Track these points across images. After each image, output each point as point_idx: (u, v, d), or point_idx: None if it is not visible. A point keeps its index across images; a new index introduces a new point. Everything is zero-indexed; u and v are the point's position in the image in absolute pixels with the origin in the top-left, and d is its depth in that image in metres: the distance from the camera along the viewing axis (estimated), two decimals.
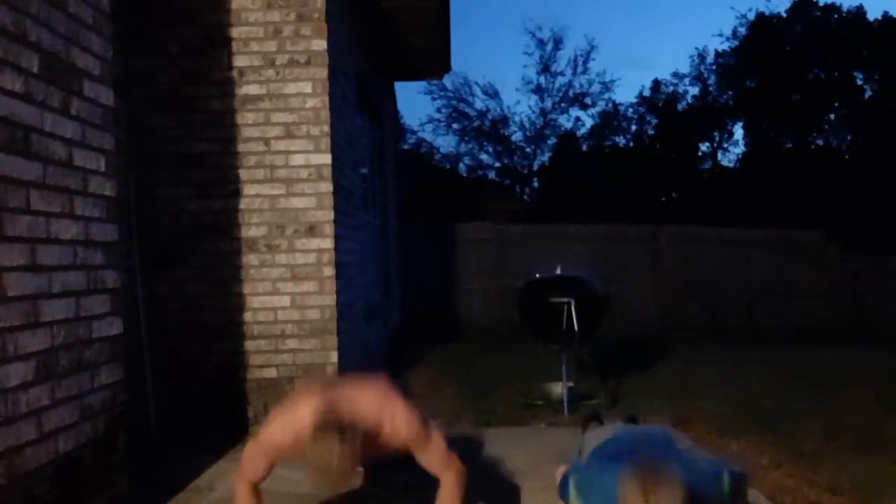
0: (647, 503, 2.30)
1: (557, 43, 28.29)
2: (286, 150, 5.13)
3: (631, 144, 29.79)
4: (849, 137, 26.69)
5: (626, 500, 2.35)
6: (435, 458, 2.80)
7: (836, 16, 26.68)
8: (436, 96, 27.87)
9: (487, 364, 7.71)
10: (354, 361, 5.66)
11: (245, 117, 5.12)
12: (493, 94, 29.94)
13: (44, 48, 2.85)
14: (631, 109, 29.77)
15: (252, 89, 5.12)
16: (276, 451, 2.73)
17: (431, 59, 8.77)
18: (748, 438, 4.56)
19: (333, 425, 2.47)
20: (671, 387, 6.36)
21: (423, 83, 26.28)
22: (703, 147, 29.09)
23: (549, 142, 29.52)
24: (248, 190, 5.12)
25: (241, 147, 5.12)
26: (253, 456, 2.80)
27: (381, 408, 2.71)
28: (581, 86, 28.53)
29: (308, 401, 2.69)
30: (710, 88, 28.68)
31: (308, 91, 5.13)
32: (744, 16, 28.76)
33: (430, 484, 2.87)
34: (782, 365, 7.80)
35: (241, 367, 5.09)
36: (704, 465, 2.66)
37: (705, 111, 28.22)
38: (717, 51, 28.25)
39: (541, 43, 28.43)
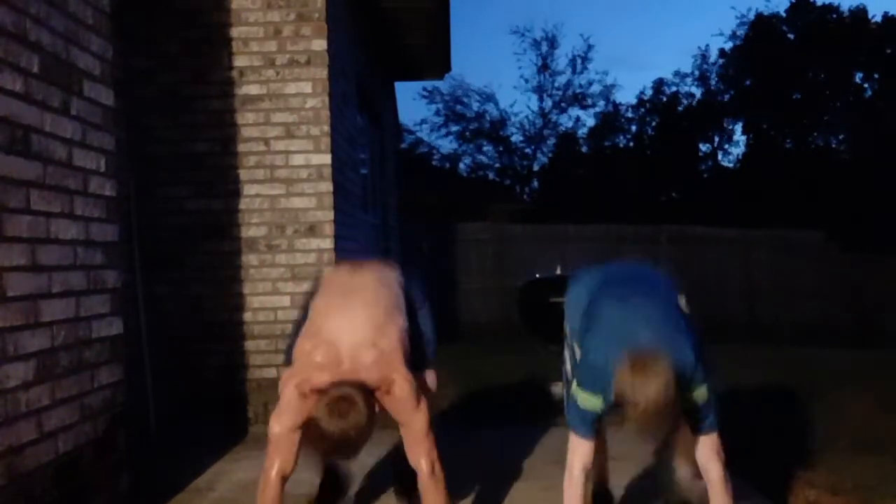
0: (635, 380, 2.54)
1: (553, 42, 28.25)
2: (286, 150, 5.13)
3: (631, 144, 29.78)
4: (847, 137, 26.68)
5: (619, 379, 2.58)
6: (417, 446, 2.89)
7: (833, 15, 26.68)
8: (431, 101, 27.81)
9: (487, 364, 7.71)
10: None
11: (245, 117, 5.12)
12: (490, 97, 29.81)
13: (44, 48, 2.85)
14: (631, 110, 29.79)
15: (252, 89, 5.12)
16: (298, 424, 2.81)
17: (431, 59, 8.76)
18: (747, 438, 4.55)
19: (347, 408, 2.64)
20: None
21: (420, 86, 26.29)
22: (704, 147, 29.10)
23: (549, 142, 29.53)
24: (248, 190, 5.13)
25: (241, 147, 5.12)
26: (282, 438, 2.84)
27: (384, 380, 2.83)
28: (581, 86, 28.52)
29: (319, 379, 2.79)
30: (713, 88, 28.68)
31: (308, 91, 5.13)
32: (744, 16, 28.70)
33: None
34: (782, 365, 7.80)
35: (241, 367, 5.09)
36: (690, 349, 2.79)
37: (705, 111, 28.21)
38: (724, 49, 28.23)
39: (535, 43, 28.40)
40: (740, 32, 27.62)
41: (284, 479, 2.86)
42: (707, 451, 2.79)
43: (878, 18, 26.47)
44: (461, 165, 28.97)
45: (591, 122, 30.00)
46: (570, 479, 2.81)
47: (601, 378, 2.74)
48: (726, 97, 28.39)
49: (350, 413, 2.64)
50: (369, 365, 2.81)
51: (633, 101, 30.51)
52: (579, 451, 2.82)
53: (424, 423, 2.89)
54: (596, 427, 2.84)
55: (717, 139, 29.07)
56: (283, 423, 2.84)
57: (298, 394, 2.80)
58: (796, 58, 25.68)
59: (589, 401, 2.80)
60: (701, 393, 2.75)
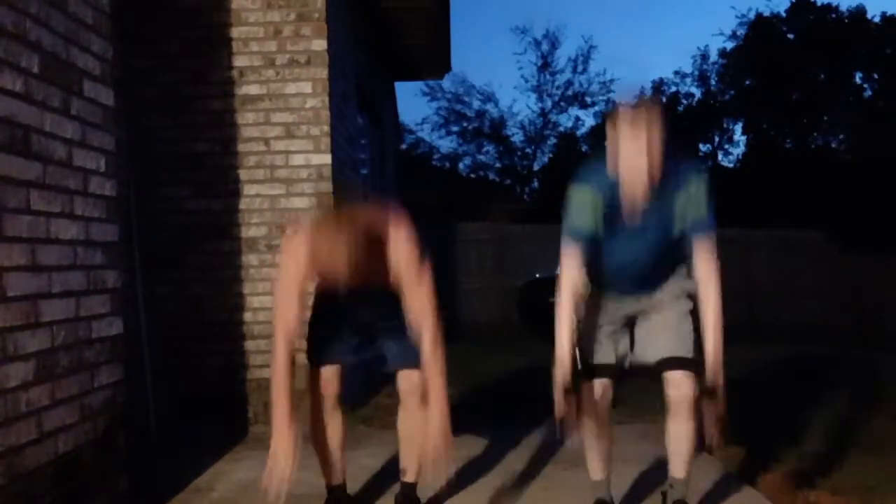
0: (633, 112, 2.65)
1: (554, 42, 28.28)
2: (286, 150, 5.13)
3: None
4: (847, 137, 26.69)
5: (618, 122, 2.67)
6: (420, 298, 2.92)
7: (833, 16, 26.70)
8: (431, 98, 27.83)
9: (487, 364, 7.71)
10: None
11: (245, 117, 5.12)
12: (490, 96, 29.80)
13: (44, 48, 2.85)
14: None
15: (252, 89, 5.12)
16: (300, 265, 2.88)
17: (431, 59, 8.76)
18: (747, 438, 4.55)
19: (334, 219, 2.83)
20: None
21: (421, 85, 26.32)
22: (704, 147, 29.09)
23: (549, 142, 29.54)
24: (248, 190, 5.13)
25: (241, 147, 5.12)
26: (284, 287, 2.91)
27: (385, 220, 2.94)
28: (581, 85, 28.53)
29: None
30: (713, 88, 28.69)
31: (308, 91, 5.13)
32: (744, 16, 28.74)
33: None
34: (782, 365, 7.80)
35: (241, 367, 5.09)
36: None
37: (705, 111, 28.22)
38: (724, 49, 28.22)
39: (536, 42, 28.44)
40: (740, 32, 27.66)
41: (291, 342, 2.89)
42: (704, 264, 2.83)
43: (878, 19, 26.53)
44: (461, 165, 29.02)
45: (591, 121, 30.02)
46: (560, 315, 2.89)
47: (592, 168, 2.90)
48: (726, 97, 28.41)
49: (338, 224, 2.75)
50: (376, 213, 2.92)
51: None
52: (566, 264, 2.98)
53: (429, 292, 2.94)
54: (585, 235, 2.96)
55: (717, 139, 29.11)
56: (283, 286, 2.91)
57: (293, 254, 2.88)
58: (796, 58, 25.69)
59: (579, 196, 2.95)
60: (700, 189, 2.82)
